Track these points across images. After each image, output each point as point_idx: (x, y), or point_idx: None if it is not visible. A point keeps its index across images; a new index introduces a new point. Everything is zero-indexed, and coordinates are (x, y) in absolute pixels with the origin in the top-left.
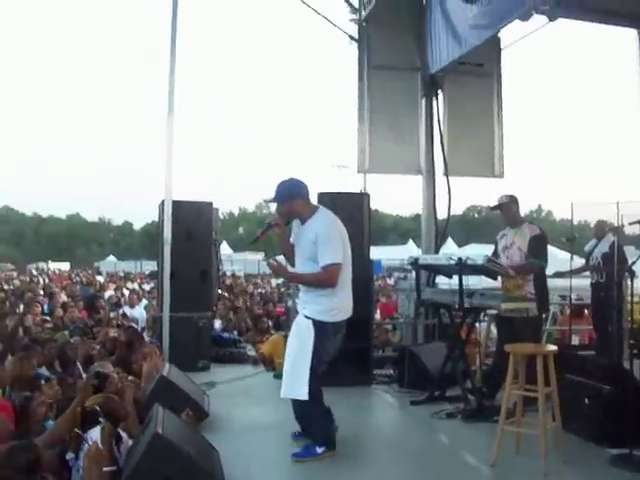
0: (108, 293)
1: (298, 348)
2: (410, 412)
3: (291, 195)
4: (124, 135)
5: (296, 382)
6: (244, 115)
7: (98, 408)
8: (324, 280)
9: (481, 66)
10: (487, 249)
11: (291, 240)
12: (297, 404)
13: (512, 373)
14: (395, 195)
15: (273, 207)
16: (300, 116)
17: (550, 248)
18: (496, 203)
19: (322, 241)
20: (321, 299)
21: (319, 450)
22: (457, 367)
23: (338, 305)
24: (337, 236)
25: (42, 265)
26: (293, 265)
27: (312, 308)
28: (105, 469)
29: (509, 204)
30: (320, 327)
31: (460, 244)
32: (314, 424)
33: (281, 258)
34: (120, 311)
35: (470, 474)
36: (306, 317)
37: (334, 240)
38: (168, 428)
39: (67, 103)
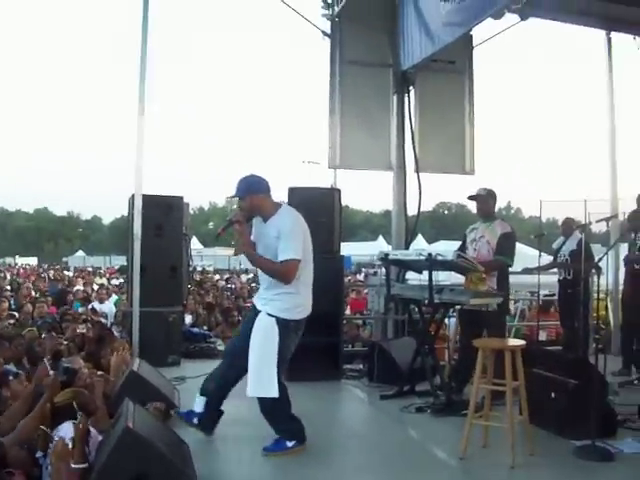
0: (77, 288)
1: (263, 346)
2: (380, 406)
3: (251, 190)
4: (93, 129)
5: (264, 380)
6: (215, 110)
7: (74, 404)
8: (281, 273)
9: (453, 63)
10: (456, 246)
11: (252, 238)
12: (264, 402)
13: (480, 368)
14: (365, 191)
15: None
16: (271, 112)
17: (519, 245)
18: (474, 193)
19: (284, 237)
20: (285, 296)
21: (289, 444)
22: (426, 362)
23: (301, 303)
24: (299, 233)
25: (9, 260)
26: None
27: (275, 305)
28: (75, 466)
29: (487, 197)
30: (284, 325)
31: (430, 241)
32: (282, 420)
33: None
34: (89, 306)
35: (439, 467)
36: (269, 315)
37: (296, 236)
38: (138, 422)
39: (35, 97)
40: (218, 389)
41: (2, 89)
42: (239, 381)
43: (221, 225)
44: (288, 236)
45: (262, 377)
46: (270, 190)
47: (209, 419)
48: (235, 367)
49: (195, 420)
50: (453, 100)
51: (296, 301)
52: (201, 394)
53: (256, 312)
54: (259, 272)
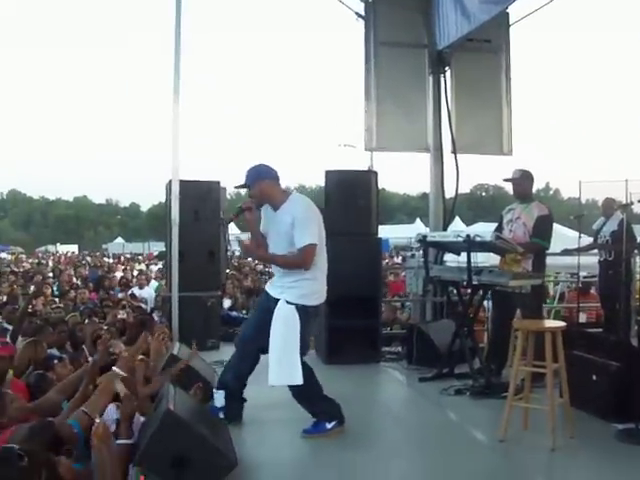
0: (117, 274)
1: (285, 334)
2: (418, 389)
3: (259, 177)
4: (131, 117)
5: (288, 368)
6: (251, 95)
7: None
8: (300, 261)
9: (489, 42)
10: (494, 228)
11: (262, 229)
12: (296, 390)
13: (520, 350)
14: (402, 174)
15: None
16: (306, 96)
17: (558, 227)
18: (510, 176)
19: (299, 223)
20: (303, 282)
21: (329, 425)
22: (465, 344)
23: (319, 289)
24: (314, 218)
25: (51, 248)
26: None
27: (293, 293)
28: (120, 441)
29: (522, 179)
30: (304, 311)
31: (467, 223)
32: (316, 402)
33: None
34: (129, 292)
35: (479, 450)
36: (288, 302)
37: (311, 222)
38: (179, 405)
39: (73, 86)
40: (235, 380)
41: (40, 78)
42: (254, 368)
43: (232, 212)
44: (303, 222)
45: (285, 365)
46: (279, 179)
47: (233, 410)
48: (249, 356)
49: (220, 415)
50: (490, 80)
51: (314, 287)
52: (219, 388)
53: (269, 300)
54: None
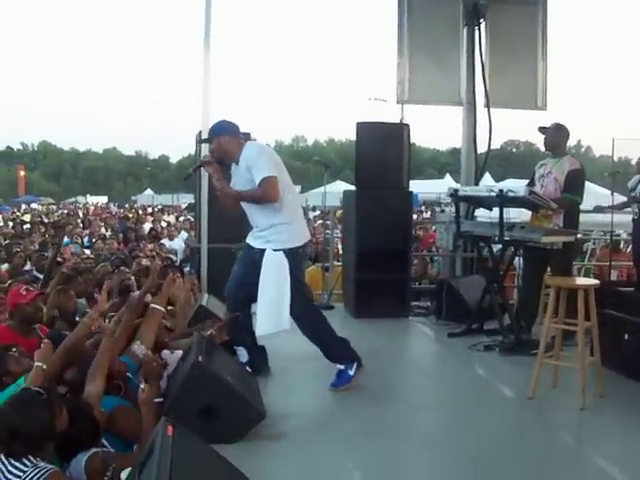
0: (146, 226)
1: (276, 281)
2: (447, 344)
3: (219, 132)
4: (160, 68)
5: (276, 316)
6: (281, 47)
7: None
8: (263, 194)
9: None
10: (525, 185)
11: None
12: (310, 333)
13: (552, 307)
14: (432, 129)
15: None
16: (338, 48)
17: (590, 185)
18: (545, 126)
19: (253, 162)
20: (282, 227)
21: (351, 372)
22: (495, 300)
23: (299, 229)
24: (268, 156)
25: (81, 199)
26: (236, 208)
27: (278, 239)
28: (156, 400)
29: (557, 130)
30: (292, 253)
31: (497, 179)
32: (332, 343)
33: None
34: (158, 243)
35: (507, 407)
36: (275, 250)
37: (264, 158)
38: (208, 356)
39: (105, 35)
40: (243, 332)
41: (70, 29)
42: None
43: (192, 166)
44: (256, 160)
45: (274, 314)
46: (239, 134)
47: (256, 361)
48: (242, 307)
49: (248, 369)
50: (525, 33)
51: (294, 229)
52: (237, 345)
53: (253, 252)
54: (249, 214)
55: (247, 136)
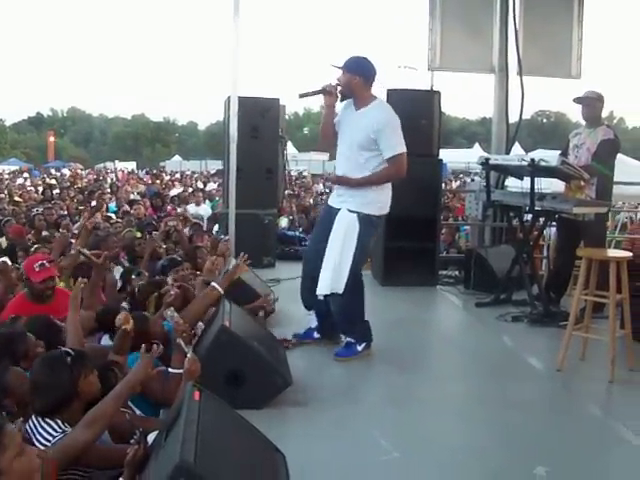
0: (174, 191)
1: (342, 243)
2: (475, 314)
3: (357, 69)
4: (188, 33)
5: (338, 277)
6: (311, 13)
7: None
8: (394, 173)
9: None
10: (555, 155)
11: (336, 121)
12: (338, 300)
13: (583, 278)
14: (462, 98)
15: None
16: (366, 15)
17: (621, 156)
18: (581, 95)
19: (388, 130)
20: (368, 191)
21: (359, 347)
22: (524, 271)
23: (382, 199)
24: (398, 126)
25: (109, 165)
26: (330, 146)
27: (356, 201)
28: (173, 371)
29: (593, 100)
30: (366, 220)
31: (527, 149)
32: (356, 324)
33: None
34: (185, 207)
35: (535, 378)
36: (350, 211)
37: (397, 129)
38: (235, 321)
39: (131, 3)
40: (313, 298)
41: None
42: None
43: (311, 90)
44: (391, 129)
45: (337, 274)
46: (373, 81)
47: (326, 326)
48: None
49: (315, 335)
50: None
51: (380, 197)
52: (308, 309)
53: (331, 212)
54: (341, 167)
55: (276, 102)
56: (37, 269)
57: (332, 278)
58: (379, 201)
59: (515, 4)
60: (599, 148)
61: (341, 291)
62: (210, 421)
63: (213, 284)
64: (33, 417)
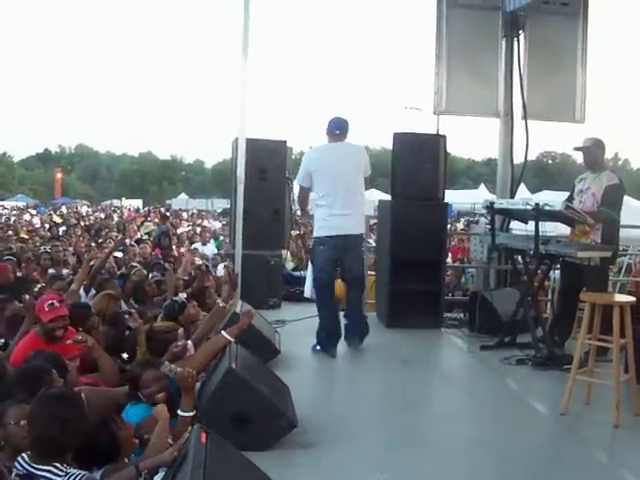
0: (181, 230)
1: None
2: (480, 357)
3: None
4: (197, 74)
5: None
6: (317, 55)
7: None
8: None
9: (566, 5)
10: (560, 196)
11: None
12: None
13: (587, 322)
14: (468, 138)
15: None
16: (373, 57)
17: (627, 198)
18: (580, 145)
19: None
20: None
21: (317, 347)
22: (529, 314)
23: (321, 224)
24: (301, 164)
25: (116, 202)
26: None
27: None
28: (183, 414)
29: (593, 147)
30: (316, 242)
31: (533, 190)
32: (319, 325)
33: None
34: (192, 247)
35: (539, 422)
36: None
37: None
38: (241, 364)
39: (141, 40)
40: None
41: (107, 36)
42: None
43: None
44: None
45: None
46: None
47: (349, 334)
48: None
49: (317, 347)
50: (565, 44)
51: (318, 222)
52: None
53: None
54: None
55: (283, 144)
56: (47, 309)
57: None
58: (319, 226)
59: (520, 49)
60: (606, 194)
61: (308, 295)
62: (217, 464)
63: (223, 333)
64: (26, 460)
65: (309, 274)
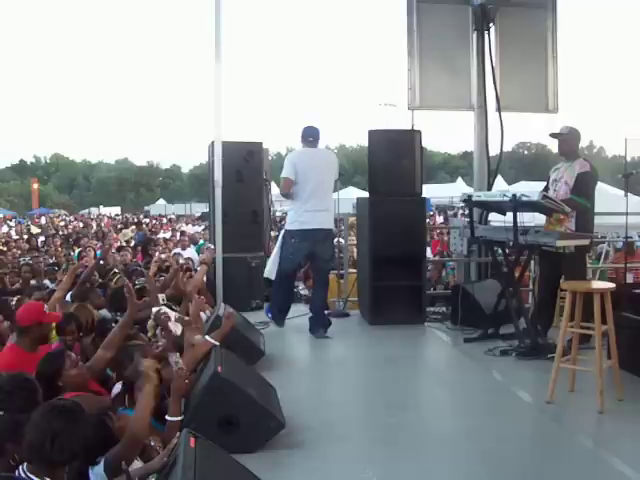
0: (161, 235)
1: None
2: (464, 349)
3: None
4: (171, 78)
5: (272, 268)
6: (289, 54)
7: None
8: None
9: None
10: (537, 187)
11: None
12: (272, 283)
13: (569, 311)
14: (443, 133)
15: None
16: (346, 55)
17: (603, 185)
18: (557, 131)
19: None
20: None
21: (269, 315)
22: (511, 305)
23: (293, 218)
24: (287, 162)
25: (94, 210)
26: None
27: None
28: (171, 419)
29: (569, 135)
30: (286, 234)
31: (509, 182)
32: (272, 301)
33: None
34: (172, 253)
35: (525, 411)
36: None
37: (285, 162)
38: (227, 367)
39: (114, 47)
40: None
41: (80, 41)
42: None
43: None
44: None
45: (272, 266)
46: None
47: (313, 324)
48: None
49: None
50: (535, 36)
51: (290, 217)
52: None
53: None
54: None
55: (259, 145)
56: (47, 311)
57: (268, 268)
58: (292, 220)
59: (491, 42)
60: (577, 181)
61: (272, 278)
62: (207, 467)
63: (207, 337)
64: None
65: (272, 257)
